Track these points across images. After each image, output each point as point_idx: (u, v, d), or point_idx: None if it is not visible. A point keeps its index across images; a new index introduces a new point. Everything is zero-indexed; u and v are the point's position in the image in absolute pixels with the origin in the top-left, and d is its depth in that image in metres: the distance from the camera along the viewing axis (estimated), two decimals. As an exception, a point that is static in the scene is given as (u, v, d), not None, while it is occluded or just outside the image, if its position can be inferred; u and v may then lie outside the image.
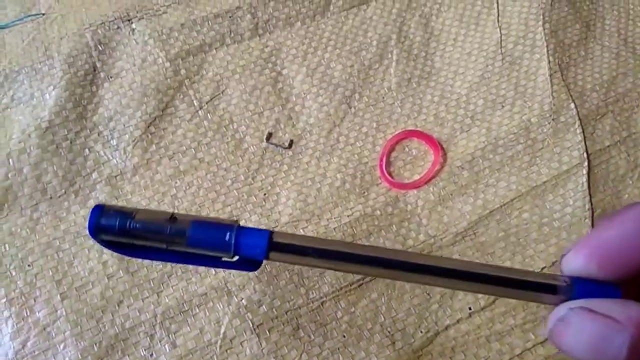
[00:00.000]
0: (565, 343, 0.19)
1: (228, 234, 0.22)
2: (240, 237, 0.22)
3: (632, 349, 0.17)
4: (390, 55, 0.39)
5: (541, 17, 0.40)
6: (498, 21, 0.40)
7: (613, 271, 0.19)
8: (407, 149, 0.36)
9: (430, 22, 0.40)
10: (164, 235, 0.23)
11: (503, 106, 0.37)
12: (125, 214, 0.23)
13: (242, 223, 0.33)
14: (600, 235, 0.19)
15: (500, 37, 0.39)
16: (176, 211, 0.27)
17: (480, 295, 0.32)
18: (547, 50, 0.38)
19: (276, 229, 0.33)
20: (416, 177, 0.35)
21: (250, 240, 0.22)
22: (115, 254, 0.31)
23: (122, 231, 0.23)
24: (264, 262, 0.23)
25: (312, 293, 0.31)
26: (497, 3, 0.40)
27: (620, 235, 0.19)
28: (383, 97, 0.37)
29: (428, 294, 0.32)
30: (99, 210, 0.23)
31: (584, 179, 0.35)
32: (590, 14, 0.41)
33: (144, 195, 0.33)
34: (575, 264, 0.19)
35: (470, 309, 0.31)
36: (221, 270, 0.32)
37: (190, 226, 0.23)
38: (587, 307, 0.18)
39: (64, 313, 0.29)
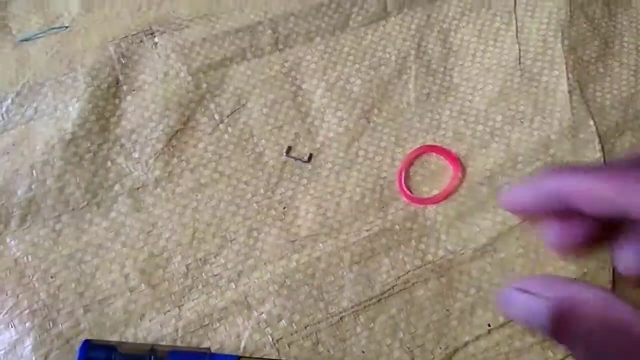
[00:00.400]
0: (509, 314, 0.24)
1: None
2: None
3: (552, 324, 0.22)
4: (409, 71, 0.39)
5: (560, 33, 0.40)
6: (517, 37, 0.40)
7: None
8: (426, 164, 0.36)
9: (448, 37, 0.40)
10: None
11: (522, 122, 0.37)
12: (110, 347, 0.27)
13: (262, 236, 0.33)
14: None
15: (519, 53, 0.39)
16: (156, 340, 0.30)
17: (499, 312, 0.32)
18: (566, 67, 0.38)
19: (295, 242, 0.33)
20: (435, 192, 0.35)
21: None
22: (135, 265, 0.32)
23: None
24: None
25: (332, 308, 0.32)
26: (516, 19, 0.41)
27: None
28: (402, 112, 0.38)
29: (447, 310, 0.32)
30: (87, 345, 0.27)
31: (604, 196, 0.34)
32: (608, 30, 0.41)
33: (166, 208, 0.33)
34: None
35: (489, 325, 0.31)
36: (241, 284, 0.32)
37: (168, 356, 0.27)
38: (519, 287, 0.24)
39: (88, 326, 0.30)
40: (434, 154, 0.36)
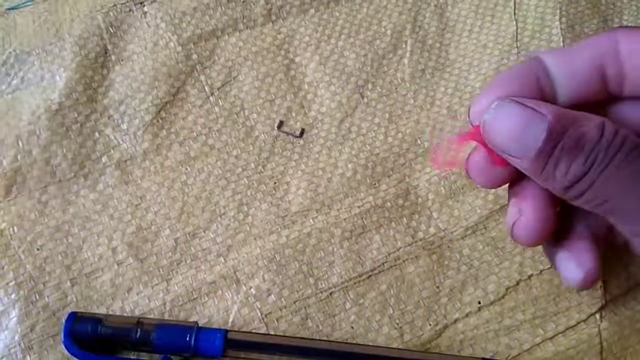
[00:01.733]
0: (493, 129, 0.22)
1: (188, 335, 0.27)
2: (200, 337, 0.27)
3: (548, 136, 0.20)
4: (404, 45, 0.38)
5: (558, 11, 0.39)
6: (515, 14, 0.39)
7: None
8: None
9: (445, 12, 0.39)
10: (131, 339, 0.27)
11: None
12: (96, 320, 0.27)
13: (252, 211, 0.33)
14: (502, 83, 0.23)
15: (517, 30, 0.39)
16: (143, 314, 0.30)
17: (490, 290, 0.32)
18: (564, 45, 0.38)
19: (286, 218, 0.33)
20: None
21: (208, 340, 0.27)
22: (123, 239, 0.31)
23: (94, 336, 0.27)
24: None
25: (321, 283, 0.31)
26: (514, -5, 0.40)
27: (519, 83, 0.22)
28: (396, 88, 0.37)
29: (437, 287, 0.32)
30: (73, 317, 0.27)
31: (597, 175, 0.34)
32: (607, 8, 0.40)
33: (154, 181, 0.33)
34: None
35: (479, 303, 0.31)
36: (230, 258, 0.31)
37: (155, 329, 0.27)
38: (517, 100, 0.21)
39: (74, 299, 0.29)
40: (427, 130, 0.36)
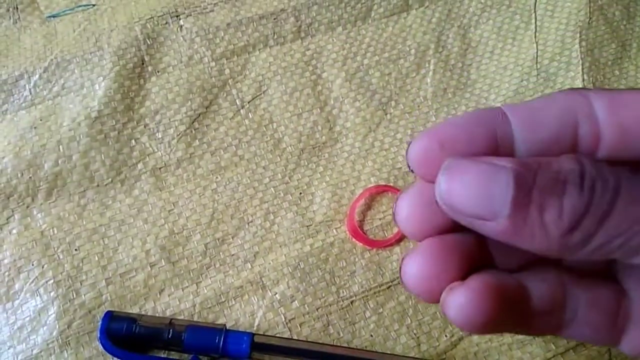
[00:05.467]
0: (451, 196, 0.17)
1: (217, 337, 0.29)
2: (228, 340, 0.29)
3: (517, 183, 0.16)
4: (427, 65, 0.40)
5: (578, 35, 0.40)
6: (535, 36, 0.41)
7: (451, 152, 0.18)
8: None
9: (468, 33, 0.41)
10: (163, 339, 0.29)
11: (536, 121, 0.38)
12: (130, 319, 0.29)
13: (278, 220, 0.34)
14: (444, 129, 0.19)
15: (537, 52, 0.40)
16: (174, 315, 0.31)
17: (504, 305, 0.33)
18: (582, 69, 0.39)
19: (310, 227, 0.34)
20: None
21: (235, 342, 0.29)
22: (156, 242, 0.33)
23: (128, 334, 0.29)
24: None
25: (343, 292, 0.33)
26: (535, 19, 0.41)
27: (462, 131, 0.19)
28: (418, 106, 0.38)
29: (454, 300, 0.33)
30: (109, 316, 0.29)
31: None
32: (626, 33, 0.41)
33: (186, 188, 0.34)
34: (420, 146, 0.19)
35: (494, 317, 0.33)
36: (257, 265, 0.33)
37: (186, 330, 0.29)
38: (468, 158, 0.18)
39: (109, 298, 0.31)
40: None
